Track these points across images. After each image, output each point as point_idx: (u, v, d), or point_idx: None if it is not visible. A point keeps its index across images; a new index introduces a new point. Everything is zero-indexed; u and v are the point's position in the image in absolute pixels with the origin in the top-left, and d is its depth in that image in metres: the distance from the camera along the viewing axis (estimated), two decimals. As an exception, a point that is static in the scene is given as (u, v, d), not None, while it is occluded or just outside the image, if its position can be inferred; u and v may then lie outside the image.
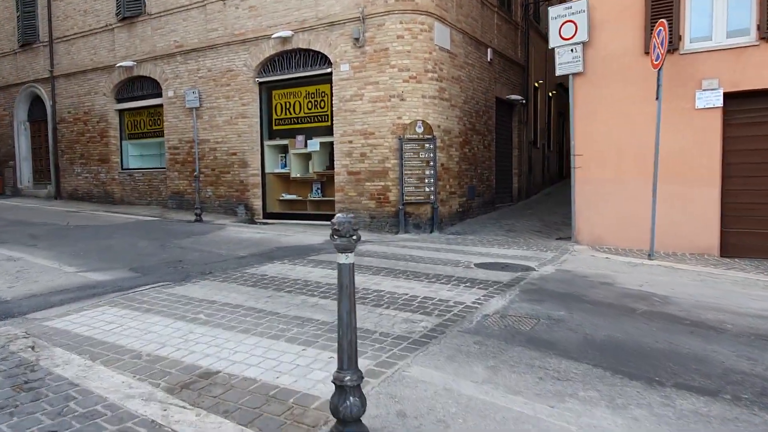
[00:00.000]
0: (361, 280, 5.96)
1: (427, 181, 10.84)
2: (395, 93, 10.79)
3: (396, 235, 10.53)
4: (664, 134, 8.01)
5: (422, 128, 10.72)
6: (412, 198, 10.77)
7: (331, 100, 11.56)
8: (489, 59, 13.43)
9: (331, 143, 11.67)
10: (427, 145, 10.81)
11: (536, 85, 17.38)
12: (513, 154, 15.80)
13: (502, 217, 13.18)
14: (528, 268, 6.91)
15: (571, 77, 8.86)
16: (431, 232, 10.91)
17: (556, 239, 10.08)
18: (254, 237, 9.50)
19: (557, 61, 8.96)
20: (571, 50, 8.72)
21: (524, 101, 15.75)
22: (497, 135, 14.38)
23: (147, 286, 5.66)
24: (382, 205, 11.03)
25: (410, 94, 10.77)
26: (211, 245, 8.52)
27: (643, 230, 8.27)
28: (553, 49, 9.04)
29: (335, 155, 11.53)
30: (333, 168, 11.62)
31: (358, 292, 5.38)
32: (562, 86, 20.47)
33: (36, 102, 17.94)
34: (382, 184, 10.99)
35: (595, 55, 8.64)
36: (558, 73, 9.00)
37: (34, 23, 17.31)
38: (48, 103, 17.15)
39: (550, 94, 19.68)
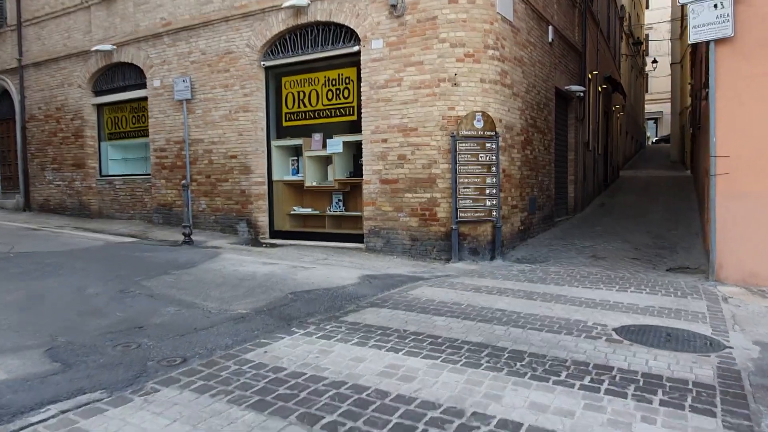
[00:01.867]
0: (454, 381, 3.30)
1: (488, 192, 8.18)
2: (446, 76, 8.16)
3: (448, 264, 7.88)
4: None
5: (482, 122, 8.07)
6: (469, 215, 8.11)
7: (359, 87, 8.94)
8: (550, 39, 10.81)
9: (359, 143, 9.04)
10: (489, 144, 8.16)
11: (589, 76, 14.72)
12: (568, 158, 13.15)
13: (566, 235, 10.51)
14: (705, 341, 4.25)
15: (712, 46, 6.22)
16: (492, 259, 8.25)
17: (667, 270, 7.43)
18: (259, 272, 6.84)
19: (692, 23, 6.32)
20: (715, 6, 6.08)
21: (583, 94, 13.11)
22: (556, 134, 11.74)
23: (48, 411, 2.94)
24: (428, 223, 8.38)
25: (466, 77, 8.13)
26: (197, 289, 5.86)
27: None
28: (681, 9, 6.38)
29: (364, 158, 8.90)
30: (360, 175, 8.99)
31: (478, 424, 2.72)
32: (611, 80, 17.83)
33: (4, 97, 15.35)
34: (428, 195, 8.34)
35: (752, 13, 6.00)
36: (693, 39, 6.37)
37: (1, 4, 14.75)
38: (16, 98, 14.56)
39: (600, 89, 17.01)
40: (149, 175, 11.73)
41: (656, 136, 47.07)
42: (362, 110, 8.87)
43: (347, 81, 9.42)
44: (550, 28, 10.77)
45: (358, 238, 9.08)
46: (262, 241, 10.01)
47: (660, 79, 39.18)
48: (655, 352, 3.90)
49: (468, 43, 8.11)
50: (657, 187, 18.26)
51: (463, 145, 8.05)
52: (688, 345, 4.10)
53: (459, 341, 4.08)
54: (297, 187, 10.29)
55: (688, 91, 25.36)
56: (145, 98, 11.76)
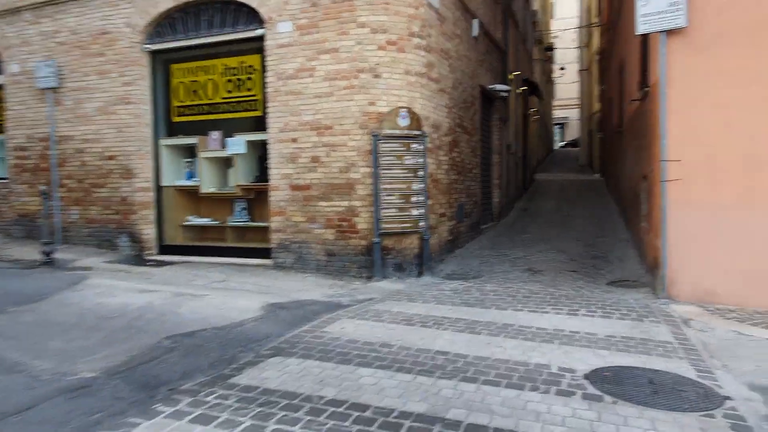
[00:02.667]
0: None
1: (415, 199, 7.16)
2: (366, 66, 7.06)
3: (370, 284, 6.78)
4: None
5: (408, 120, 7.05)
6: (394, 225, 7.05)
7: (264, 77, 7.63)
8: (475, 34, 10.04)
9: (265, 143, 7.72)
10: (415, 145, 7.15)
11: (511, 77, 14.25)
12: (493, 161, 12.53)
13: (496, 244, 9.77)
14: (695, 389, 3.43)
15: (662, 39, 5.56)
16: (420, 275, 7.25)
17: (608, 284, 6.79)
18: (131, 305, 5.35)
19: (641, 11, 5.64)
20: (667, -7, 5.43)
21: (506, 94, 12.55)
22: (481, 136, 11.02)
23: None
24: (346, 236, 7.22)
25: (388, 68, 7.08)
26: (33, 337, 4.31)
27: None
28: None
29: (271, 160, 7.59)
30: (267, 180, 7.67)
31: None
32: (529, 82, 17.62)
33: None
34: (346, 204, 7.19)
35: (706, 3, 5.40)
36: (641, 29, 5.68)
37: None
38: None
39: (519, 91, 16.70)
40: (6, 179, 9.64)
41: (563, 141, 49.02)
42: (268, 104, 7.56)
43: (250, 70, 8.06)
44: (475, 21, 10.01)
45: (265, 253, 7.75)
46: (148, 258, 8.38)
47: (566, 85, 40.64)
48: (650, 415, 2.99)
49: (391, 29, 7.05)
50: (572, 190, 18.30)
51: (386, 145, 6.97)
52: (681, 398, 3.24)
53: (395, 413, 2.95)
54: (192, 194, 8.75)
55: (596, 97, 26.14)
56: (0, 86, 9.67)
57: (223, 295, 5.89)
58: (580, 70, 30.50)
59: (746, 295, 5.38)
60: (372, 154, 6.97)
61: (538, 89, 19.64)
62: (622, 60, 11.49)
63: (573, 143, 42.92)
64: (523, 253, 8.80)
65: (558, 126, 49.97)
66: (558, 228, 11.35)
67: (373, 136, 6.93)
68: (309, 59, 7.29)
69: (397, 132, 7.00)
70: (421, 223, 7.22)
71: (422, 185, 7.19)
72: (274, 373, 3.51)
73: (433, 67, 7.73)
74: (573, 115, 44.44)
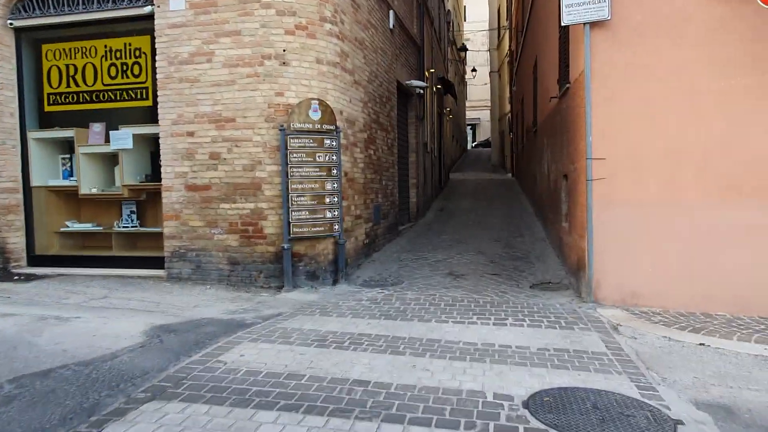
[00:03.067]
0: None
1: (329, 200, 6.52)
2: (272, 52, 6.32)
3: (280, 295, 6.07)
4: (757, 127, 4.88)
5: (320, 113, 6.39)
6: (306, 230, 6.37)
7: (153, 62, 6.67)
8: (391, 25, 9.56)
9: (156, 137, 6.76)
10: (329, 141, 6.50)
11: (427, 74, 13.96)
12: (410, 160, 12.14)
13: (414, 246, 9.35)
14: (642, 412, 3.09)
15: (586, 31, 5.31)
16: (335, 283, 6.63)
17: (531, 287, 6.53)
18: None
19: (565, 2, 5.35)
20: (591, -17, 5.17)
21: (423, 91, 12.21)
22: (398, 133, 10.58)
23: None
24: (252, 242, 6.45)
25: (298, 55, 6.38)
26: None
27: (717, 283, 5.03)
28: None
29: (164, 157, 6.65)
30: (159, 179, 6.71)
31: None
32: (444, 80, 17.51)
33: None
34: (252, 206, 6.42)
35: (629, -6, 5.20)
36: (566, 21, 5.40)
37: None
38: None
39: (435, 89, 16.52)
40: None
41: (475, 141, 50.30)
42: (159, 93, 6.61)
43: (138, 53, 7.04)
44: (391, 12, 9.53)
45: (159, 263, 6.79)
46: (15, 271, 7.11)
47: (477, 87, 41.63)
48: (603, 454, 2.56)
49: (300, 12, 6.36)
50: (487, 190, 18.44)
51: (297, 141, 6.28)
52: (631, 425, 2.85)
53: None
54: (71, 196, 7.55)
55: (507, 98, 26.77)
56: None
57: (100, 317, 4.93)
58: (491, 72, 31.22)
59: (668, 296, 5.24)
60: (280, 151, 6.24)
61: (454, 88, 19.65)
62: (535, 60, 11.51)
63: (485, 143, 44.10)
64: (443, 256, 8.41)
65: (470, 127, 51.22)
66: (476, 228, 11.15)
67: (281, 130, 6.21)
68: (206, 42, 6.43)
69: (309, 126, 6.33)
70: (336, 226, 6.59)
71: (336, 185, 6.57)
72: (147, 428, 2.74)
73: (347, 57, 7.12)
74: (484, 116, 45.70)
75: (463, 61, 32.41)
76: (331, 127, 6.50)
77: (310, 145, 6.35)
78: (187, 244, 6.61)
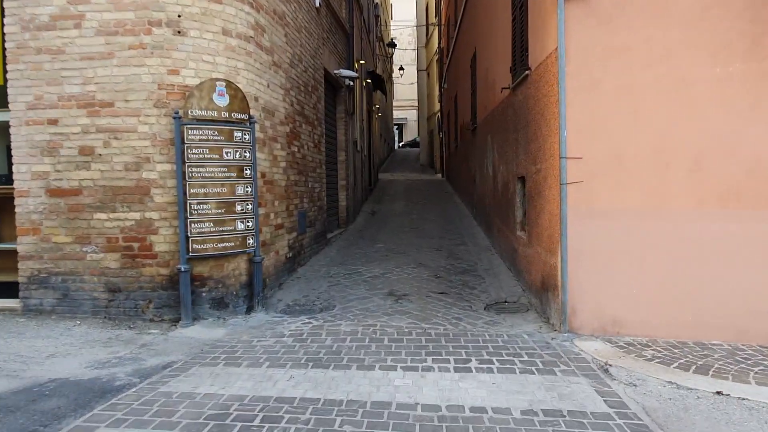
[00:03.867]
0: None
1: (241, 208, 5.17)
2: (163, 18, 4.89)
3: (176, 331, 4.67)
4: (761, 123, 4.09)
5: (227, 99, 5.03)
6: (210, 246, 4.98)
7: (2, 26, 5.03)
8: (317, 3, 8.29)
9: (6, 125, 5.12)
10: (240, 134, 5.15)
11: (356, 66, 12.77)
12: (339, 159, 10.91)
13: (346, 258, 8.14)
14: None
15: (560, 9, 4.33)
16: (249, 311, 5.30)
17: (486, 308, 5.52)
18: None
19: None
20: (566, -59, 4.19)
21: (353, 83, 11.02)
22: (326, 129, 9.32)
23: None
24: (138, 262, 4.98)
25: (198, 23, 4.99)
26: None
27: (712, 307, 4.21)
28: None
29: (16, 152, 5.04)
30: (11, 180, 5.08)
31: None
32: (374, 75, 16.41)
33: None
34: (137, 216, 4.95)
35: (610, -42, 4.27)
36: (536, -13, 4.39)
37: None
38: None
39: (365, 83, 15.36)
40: None
41: (401, 141, 49.74)
42: (9, 67, 4.99)
43: (-18, 15, 5.34)
44: (317, -11, 8.26)
45: (12, 290, 5.16)
46: None
47: (404, 87, 41.01)
48: None
49: (200, -32, 4.97)
50: (419, 191, 17.55)
51: (197, 133, 4.89)
52: None
53: None
54: None
55: (436, 97, 26.13)
56: None
57: None
58: (420, 71, 30.56)
59: (656, 323, 4.38)
60: (175, 145, 4.83)
61: (384, 84, 18.61)
62: (474, 52, 10.64)
63: (412, 143, 43.62)
64: (379, 270, 7.26)
65: (396, 127, 50.66)
66: (413, 234, 10.10)
67: (176, 118, 4.80)
68: (73, 2, 4.89)
69: (213, 114, 4.95)
70: (250, 240, 5.26)
71: (251, 189, 5.24)
72: None
73: (263, 31, 5.79)
74: (411, 116, 45.25)
75: (391, 59, 31.55)
76: (244, 117, 5.15)
77: (216, 138, 4.97)
78: (50, 266, 5.03)
